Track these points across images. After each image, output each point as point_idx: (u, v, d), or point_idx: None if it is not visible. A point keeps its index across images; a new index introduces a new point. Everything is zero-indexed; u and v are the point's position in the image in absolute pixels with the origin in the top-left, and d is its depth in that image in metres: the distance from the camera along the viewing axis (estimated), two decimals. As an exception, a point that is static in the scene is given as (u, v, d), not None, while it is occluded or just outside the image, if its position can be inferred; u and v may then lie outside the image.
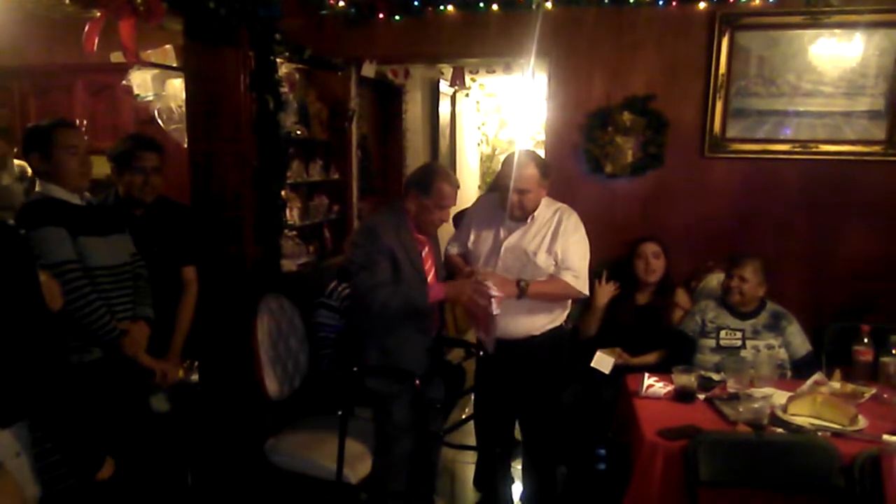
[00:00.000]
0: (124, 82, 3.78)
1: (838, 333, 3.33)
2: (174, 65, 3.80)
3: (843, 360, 2.94)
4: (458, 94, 6.89)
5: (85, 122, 3.99)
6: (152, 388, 2.66)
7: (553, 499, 3.19)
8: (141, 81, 3.77)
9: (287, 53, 3.50)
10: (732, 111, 3.75)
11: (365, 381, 2.75)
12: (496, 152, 7.88)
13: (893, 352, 2.75)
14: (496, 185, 3.12)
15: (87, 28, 2.68)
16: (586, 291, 2.91)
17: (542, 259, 2.85)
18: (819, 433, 2.30)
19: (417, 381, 2.65)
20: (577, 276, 2.84)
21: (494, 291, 2.64)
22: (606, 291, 3.32)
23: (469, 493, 3.51)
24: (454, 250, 3.10)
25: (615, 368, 3.08)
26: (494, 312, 2.65)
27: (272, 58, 3.12)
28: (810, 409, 2.43)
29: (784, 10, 3.62)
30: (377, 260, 2.61)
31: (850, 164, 3.65)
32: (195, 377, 3.21)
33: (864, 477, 2.11)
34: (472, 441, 3.45)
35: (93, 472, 1.79)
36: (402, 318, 2.67)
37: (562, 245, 2.85)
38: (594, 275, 3.33)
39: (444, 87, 6.37)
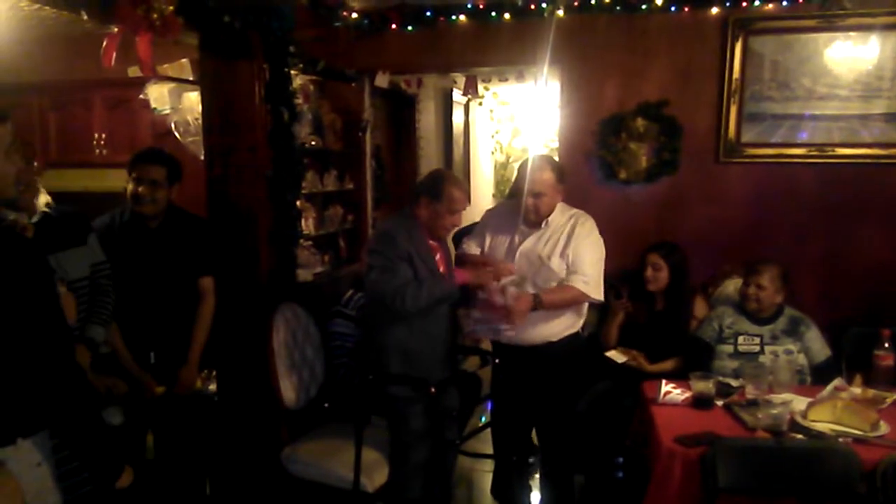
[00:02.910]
0: (141, 96, 3.83)
1: (858, 338, 3.29)
2: (190, 78, 3.85)
3: (864, 364, 2.90)
4: (471, 103, 6.91)
5: (104, 135, 4.05)
6: (105, 402, 2.64)
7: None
8: (158, 95, 3.82)
9: (301, 65, 3.53)
10: (747, 116, 3.73)
11: (385, 388, 2.76)
12: (510, 160, 7.89)
13: (915, 356, 2.71)
14: (513, 191, 3.12)
15: (104, 43, 2.72)
16: (600, 297, 2.90)
17: (556, 263, 2.85)
18: (840, 439, 2.27)
19: (433, 389, 2.65)
20: (588, 282, 2.83)
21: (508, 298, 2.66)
22: (620, 307, 3.31)
23: (486, 501, 3.50)
24: (470, 249, 3.10)
25: (633, 375, 3.06)
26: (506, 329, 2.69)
27: (286, 70, 3.15)
28: (831, 414, 2.40)
29: (798, 14, 3.61)
30: (397, 263, 2.63)
31: (867, 167, 3.62)
32: (213, 387, 3.23)
33: (886, 483, 2.08)
34: (489, 449, 3.44)
35: (112, 481, 1.80)
36: (421, 322, 2.68)
37: (574, 249, 2.84)
38: (609, 285, 3.32)
39: (458, 95, 6.39)
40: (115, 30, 2.66)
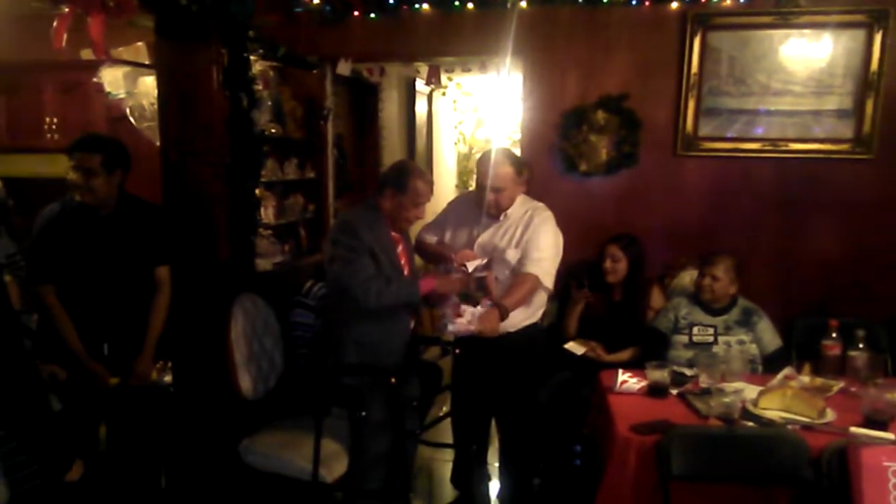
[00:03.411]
0: (95, 80, 3.73)
1: (807, 328, 3.40)
2: (146, 62, 3.76)
3: (813, 354, 2.99)
4: (434, 93, 6.90)
5: (55, 120, 3.93)
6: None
7: (529, 495, 3.21)
8: (112, 79, 3.73)
9: (261, 51, 3.48)
10: (704, 110, 3.80)
11: (345, 378, 2.74)
12: (473, 151, 7.89)
13: (860, 346, 2.80)
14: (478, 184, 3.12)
15: (55, 24, 2.64)
16: (550, 286, 2.93)
17: (511, 254, 2.88)
18: (789, 426, 2.34)
19: (393, 379, 2.64)
20: (543, 269, 2.86)
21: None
22: (581, 297, 3.34)
23: (446, 490, 3.52)
24: (429, 238, 3.10)
25: (591, 365, 3.10)
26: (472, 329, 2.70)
27: (245, 55, 3.09)
28: (780, 402, 2.46)
29: (754, 11, 3.68)
30: (360, 255, 2.61)
31: (818, 162, 3.72)
32: (168, 378, 3.17)
33: (831, 469, 2.15)
34: (449, 439, 3.45)
35: (62, 473, 1.76)
36: (381, 315, 2.67)
37: (528, 238, 2.86)
38: (570, 276, 3.35)
39: (421, 85, 6.37)
40: (66, 10, 2.58)
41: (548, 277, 2.88)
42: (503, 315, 2.75)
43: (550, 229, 2.93)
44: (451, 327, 2.71)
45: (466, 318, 2.68)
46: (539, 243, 2.86)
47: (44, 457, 1.73)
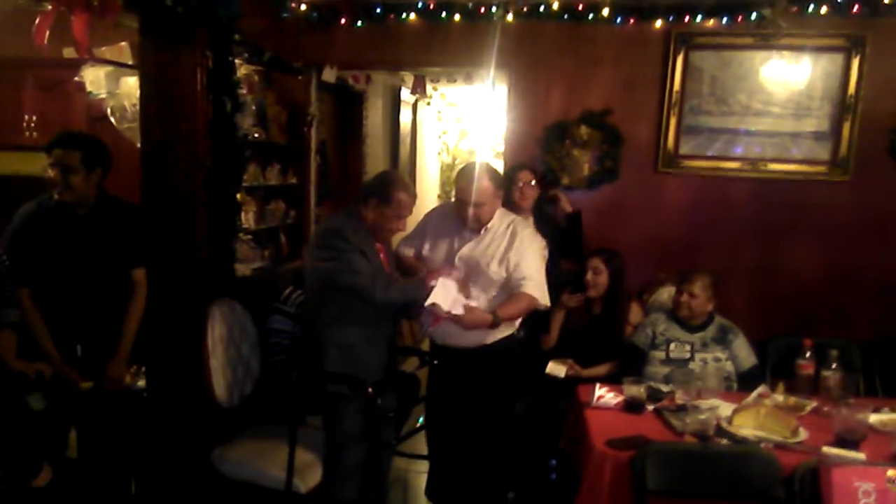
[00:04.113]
0: (77, 79, 3.68)
1: (782, 347, 3.42)
2: (129, 62, 3.72)
3: (787, 373, 3.02)
4: (419, 103, 6.91)
5: (34, 117, 3.87)
6: (29, 388, 2.54)
7: (504, 508, 3.20)
8: (94, 78, 3.68)
9: (246, 55, 3.46)
10: (685, 128, 3.85)
11: (322, 386, 2.72)
12: (456, 162, 7.92)
13: (833, 366, 2.83)
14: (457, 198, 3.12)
15: (37, 21, 2.60)
16: (547, 301, 2.94)
17: (494, 269, 2.86)
18: (762, 444, 2.36)
19: (370, 389, 2.63)
20: (538, 287, 2.87)
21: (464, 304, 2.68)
22: (573, 300, 3.34)
23: (421, 502, 3.49)
24: (408, 252, 3.09)
25: (568, 379, 3.11)
26: (454, 312, 2.68)
27: (230, 59, 3.08)
28: (754, 420, 2.48)
29: (736, 32, 3.74)
30: (353, 254, 2.60)
31: (796, 183, 3.78)
32: (142, 382, 3.13)
33: (803, 488, 2.17)
34: (425, 450, 3.43)
35: (29, 479, 1.73)
36: (365, 321, 2.67)
37: (519, 257, 2.86)
38: (562, 283, 3.36)
39: (406, 95, 6.37)
40: (49, 7, 2.54)
41: (544, 296, 2.89)
42: (495, 322, 2.76)
43: (538, 248, 2.95)
44: (435, 307, 2.66)
45: (451, 299, 2.66)
46: (531, 265, 2.87)
47: (10, 462, 1.69)
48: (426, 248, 3.02)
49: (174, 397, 3.05)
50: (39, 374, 2.50)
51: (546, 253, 2.98)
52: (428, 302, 2.65)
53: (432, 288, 2.68)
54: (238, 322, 3.04)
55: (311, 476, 2.73)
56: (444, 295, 2.67)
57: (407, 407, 3.66)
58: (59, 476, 1.90)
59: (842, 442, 2.34)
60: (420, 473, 3.61)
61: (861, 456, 2.25)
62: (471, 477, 3.16)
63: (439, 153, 7.99)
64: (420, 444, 3.47)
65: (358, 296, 2.63)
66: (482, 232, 2.92)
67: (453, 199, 3.06)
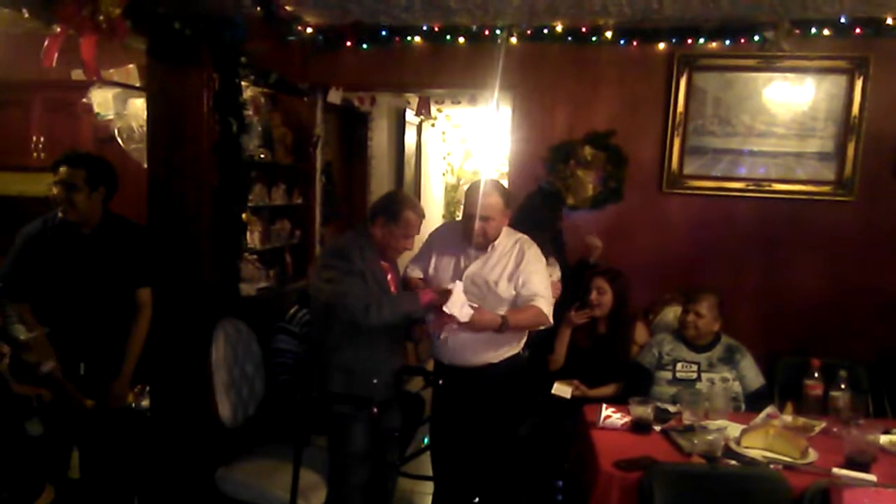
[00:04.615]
0: (84, 100, 3.72)
1: (790, 367, 3.40)
2: (137, 84, 3.76)
3: (795, 393, 2.99)
4: (424, 124, 6.95)
5: (42, 138, 3.91)
6: (29, 413, 2.53)
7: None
8: (102, 100, 3.72)
9: (252, 77, 3.49)
10: (689, 149, 3.86)
11: (327, 406, 2.71)
12: (461, 182, 7.94)
13: (842, 387, 2.81)
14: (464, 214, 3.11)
15: (46, 43, 2.63)
16: (551, 320, 2.94)
17: (503, 288, 2.86)
18: (771, 466, 2.33)
19: (375, 409, 2.61)
20: (548, 305, 2.87)
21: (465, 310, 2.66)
22: (580, 317, 3.32)
23: (425, 524, 3.46)
24: (414, 274, 3.09)
25: (574, 400, 3.08)
26: (462, 320, 2.66)
27: (237, 80, 3.11)
28: (763, 441, 2.46)
29: (739, 54, 3.76)
30: (354, 278, 2.60)
31: (801, 203, 3.78)
32: (146, 402, 3.12)
33: (813, 509, 2.14)
34: (430, 471, 3.40)
35: (31, 500, 1.71)
36: (371, 341, 2.66)
37: (528, 274, 2.86)
38: (571, 301, 3.35)
39: (411, 116, 6.41)
40: (58, 30, 2.57)
41: (551, 315, 2.90)
42: (503, 326, 2.74)
43: (544, 266, 2.95)
44: (450, 311, 2.64)
45: (460, 304, 2.64)
46: (541, 283, 2.87)
47: (12, 483, 1.68)
48: (431, 267, 3.02)
49: (178, 417, 3.03)
50: (39, 397, 2.49)
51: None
52: (445, 308, 2.64)
53: (427, 302, 2.67)
54: (243, 342, 3.03)
55: (315, 497, 2.71)
56: (455, 301, 2.67)
57: (411, 427, 3.63)
58: (62, 496, 1.88)
59: (852, 463, 2.31)
60: (425, 495, 3.58)
61: (872, 478, 2.22)
62: (476, 498, 3.12)
63: (444, 174, 8.02)
64: (425, 464, 3.44)
65: None
66: (489, 249, 2.91)
67: (460, 217, 3.06)
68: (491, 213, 2.83)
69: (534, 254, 2.93)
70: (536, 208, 3.64)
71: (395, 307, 2.65)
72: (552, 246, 3.42)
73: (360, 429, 2.68)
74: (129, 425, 2.87)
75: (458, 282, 2.70)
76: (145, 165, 3.24)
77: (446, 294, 2.68)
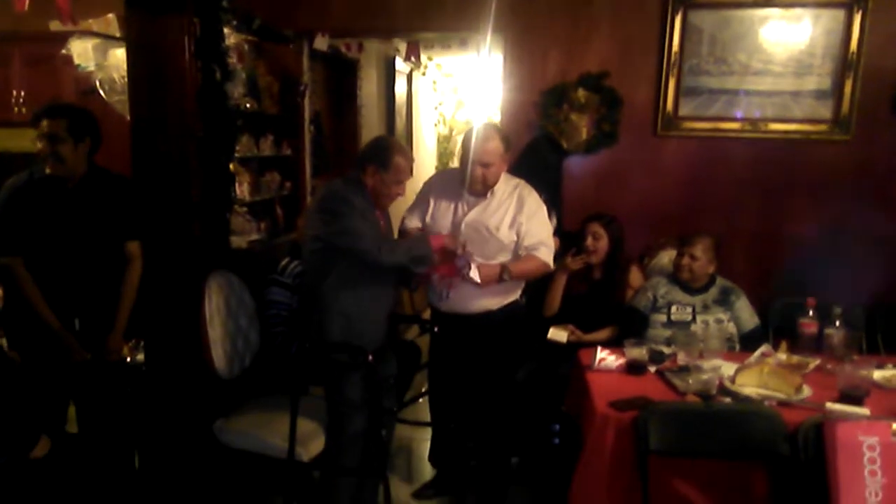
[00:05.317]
0: (64, 52, 3.62)
1: (785, 308, 3.41)
2: (117, 34, 3.66)
3: (790, 334, 3.00)
4: (414, 73, 6.82)
5: (22, 93, 3.82)
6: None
7: (508, 474, 3.21)
8: (81, 51, 3.62)
9: (235, 22, 3.39)
10: (685, 90, 3.78)
11: (323, 356, 2.71)
12: (453, 133, 7.85)
13: (837, 324, 2.82)
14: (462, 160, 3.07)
15: (17, -14, 2.54)
16: (553, 265, 2.94)
17: (504, 234, 2.84)
18: (766, 402, 2.35)
19: (371, 357, 2.61)
20: (550, 254, 2.89)
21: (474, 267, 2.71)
22: (576, 262, 3.29)
23: (424, 469, 3.51)
24: (412, 224, 3.05)
25: (570, 344, 3.09)
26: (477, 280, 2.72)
27: (219, 26, 3.01)
28: (757, 379, 2.47)
29: (735, -10, 3.65)
30: (357, 219, 2.57)
31: (797, 142, 3.73)
32: (141, 356, 3.11)
33: (807, 444, 2.16)
34: (427, 417, 3.43)
35: (26, 450, 1.71)
36: (367, 285, 2.65)
37: (529, 222, 2.84)
38: (568, 245, 3.34)
39: (401, 65, 6.29)
40: (31, -25, 2.48)
41: (552, 260, 2.93)
42: (505, 275, 2.76)
43: (545, 212, 2.95)
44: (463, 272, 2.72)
45: (462, 266, 2.70)
46: (542, 230, 2.88)
47: (7, 433, 1.68)
48: (428, 216, 2.98)
49: (174, 370, 3.03)
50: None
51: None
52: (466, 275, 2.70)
53: (440, 247, 2.69)
54: (235, 294, 3.01)
55: (313, 444, 2.73)
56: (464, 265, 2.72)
57: (408, 375, 3.65)
58: (61, 450, 1.88)
59: (846, 398, 2.33)
60: (423, 441, 3.62)
61: (865, 411, 2.24)
62: (474, 443, 3.16)
63: (436, 124, 7.92)
64: (423, 411, 3.46)
65: (358, 263, 2.59)
66: (488, 196, 2.87)
67: (458, 163, 3.01)
68: (491, 159, 2.78)
69: (534, 200, 2.90)
70: (542, 153, 3.60)
71: (406, 248, 2.66)
72: (552, 192, 3.40)
73: (357, 377, 2.68)
74: (125, 379, 2.87)
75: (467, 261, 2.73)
76: (128, 117, 3.16)
77: (456, 240, 2.69)
